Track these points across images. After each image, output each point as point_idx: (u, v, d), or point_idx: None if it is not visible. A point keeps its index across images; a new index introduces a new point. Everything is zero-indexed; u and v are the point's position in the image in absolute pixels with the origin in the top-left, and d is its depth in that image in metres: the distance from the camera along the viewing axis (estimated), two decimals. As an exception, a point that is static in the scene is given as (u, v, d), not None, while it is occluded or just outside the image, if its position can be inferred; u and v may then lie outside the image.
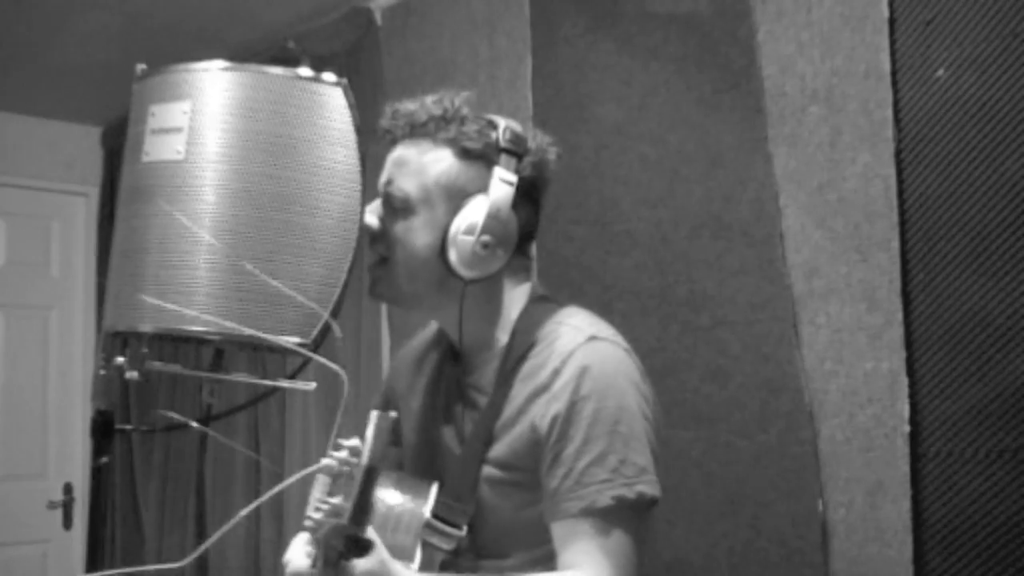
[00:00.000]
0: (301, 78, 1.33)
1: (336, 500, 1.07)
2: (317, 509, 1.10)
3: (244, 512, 1.21)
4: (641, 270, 2.01)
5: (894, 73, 1.64)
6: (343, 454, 1.15)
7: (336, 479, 1.15)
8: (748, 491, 1.81)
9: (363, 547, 1.02)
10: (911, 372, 1.61)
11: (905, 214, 1.63)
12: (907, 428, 1.60)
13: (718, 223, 1.89)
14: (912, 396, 1.61)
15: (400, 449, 1.43)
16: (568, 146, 2.15)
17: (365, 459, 1.00)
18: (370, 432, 1.03)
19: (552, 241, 2.15)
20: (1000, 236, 1.52)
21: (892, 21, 1.65)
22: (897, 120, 1.64)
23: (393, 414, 1.07)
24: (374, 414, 1.03)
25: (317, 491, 1.17)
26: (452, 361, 1.33)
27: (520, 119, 1.29)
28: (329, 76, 1.35)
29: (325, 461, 1.15)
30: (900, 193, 1.63)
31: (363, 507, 1.00)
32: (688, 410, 1.90)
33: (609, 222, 2.08)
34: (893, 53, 1.64)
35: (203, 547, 1.30)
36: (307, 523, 1.13)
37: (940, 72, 1.59)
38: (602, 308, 2.04)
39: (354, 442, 1.13)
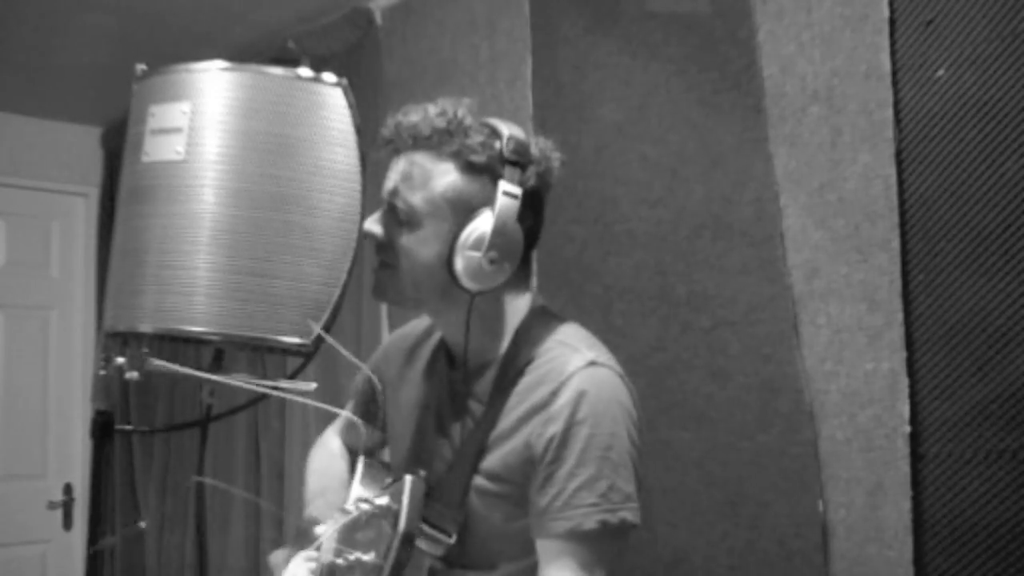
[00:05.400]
0: (301, 78, 1.33)
1: (368, 558, 1.08)
2: (341, 555, 1.10)
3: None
4: (641, 270, 2.01)
5: (894, 73, 1.64)
6: (367, 507, 1.15)
7: (354, 525, 1.15)
8: (748, 491, 1.81)
9: None
10: (911, 372, 1.61)
11: (905, 214, 1.63)
12: (907, 429, 1.60)
13: (718, 223, 1.88)
14: (912, 396, 1.60)
15: (383, 436, 1.43)
16: (568, 146, 2.15)
17: (402, 526, 1.04)
18: (405, 498, 1.05)
19: (552, 241, 2.15)
20: (1000, 236, 1.52)
21: (892, 21, 1.65)
22: (897, 120, 1.64)
23: (423, 473, 1.10)
24: (408, 479, 1.06)
25: (330, 530, 1.18)
26: (447, 362, 1.34)
27: (520, 119, 1.29)
28: (329, 76, 1.35)
29: (352, 512, 1.15)
30: (900, 193, 1.63)
31: (397, 570, 1.04)
32: (688, 410, 1.90)
33: (609, 222, 2.08)
34: (893, 53, 1.64)
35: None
36: (327, 561, 1.13)
37: (940, 72, 1.59)
38: (602, 308, 2.05)
39: (383, 501, 1.14)
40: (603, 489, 1.15)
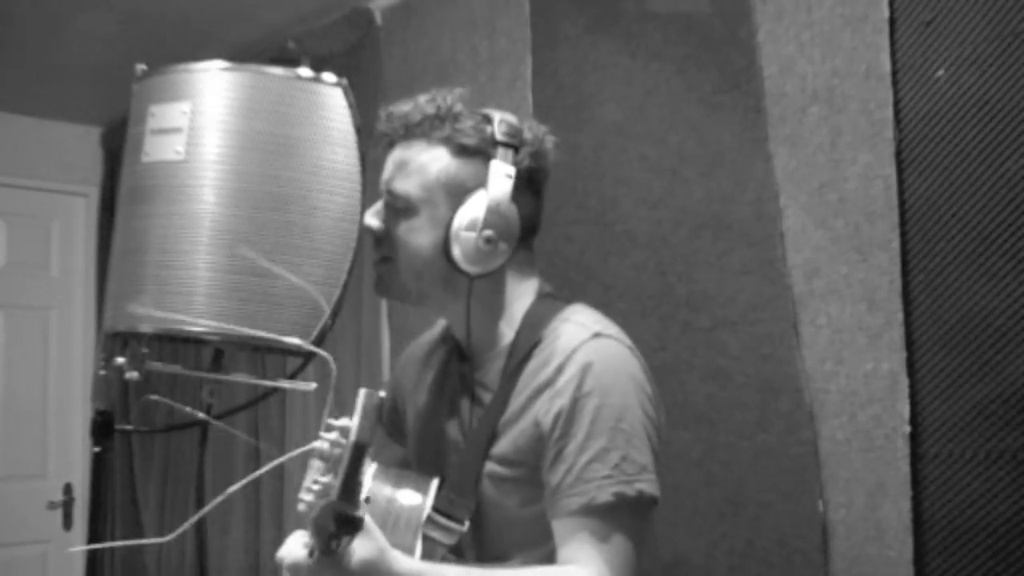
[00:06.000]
0: (301, 78, 1.33)
1: (325, 479, 1.06)
2: (308, 491, 1.09)
3: (234, 487, 1.21)
4: (641, 270, 2.01)
5: (894, 73, 1.64)
6: (334, 435, 1.14)
7: (329, 462, 1.14)
8: (748, 491, 1.81)
9: (354, 525, 0.97)
10: (911, 372, 1.61)
11: (905, 214, 1.63)
12: (907, 429, 1.60)
13: (718, 223, 1.88)
14: (912, 396, 1.60)
15: (405, 447, 1.43)
16: (568, 146, 2.16)
17: (353, 436, 0.98)
18: (358, 409, 1.02)
19: (552, 241, 2.15)
20: (1000, 236, 1.52)
21: (892, 21, 1.65)
22: (897, 120, 1.64)
23: (381, 393, 1.05)
24: (362, 392, 1.01)
25: (310, 476, 1.16)
26: (459, 357, 1.34)
27: (520, 119, 1.29)
28: (329, 76, 1.35)
29: (316, 443, 1.14)
30: (900, 193, 1.63)
31: (351, 483, 0.97)
32: (688, 410, 1.90)
33: (609, 222, 2.08)
34: (893, 53, 1.64)
35: (192, 520, 1.30)
36: (300, 506, 1.12)
37: (940, 72, 1.59)
38: (602, 308, 2.04)
39: (344, 422, 1.12)
40: (616, 460, 1.13)
